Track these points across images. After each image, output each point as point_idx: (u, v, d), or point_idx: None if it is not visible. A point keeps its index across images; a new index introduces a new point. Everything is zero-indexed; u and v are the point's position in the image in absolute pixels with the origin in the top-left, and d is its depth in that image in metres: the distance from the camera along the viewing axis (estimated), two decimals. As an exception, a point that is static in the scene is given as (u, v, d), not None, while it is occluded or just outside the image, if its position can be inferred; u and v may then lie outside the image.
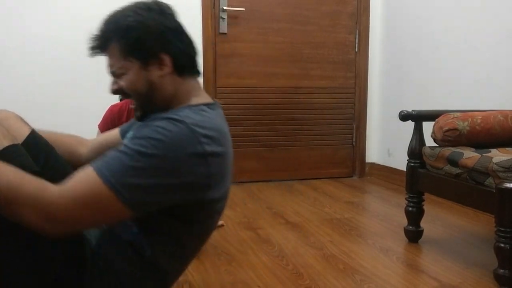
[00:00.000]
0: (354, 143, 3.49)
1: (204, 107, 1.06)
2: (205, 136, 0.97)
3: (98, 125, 1.88)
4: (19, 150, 1.04)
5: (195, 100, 1.09)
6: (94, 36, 1.09)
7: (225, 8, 3.07)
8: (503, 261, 1.52)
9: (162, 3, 1.09)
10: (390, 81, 3.37)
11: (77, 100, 2.83)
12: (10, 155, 1.00)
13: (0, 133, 1.02)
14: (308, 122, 3.37)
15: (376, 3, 3.41)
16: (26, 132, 1.21)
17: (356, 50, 3.42)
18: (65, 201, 0.87)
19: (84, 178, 0.90)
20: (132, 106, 1.12)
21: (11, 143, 1.02)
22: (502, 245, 1.50)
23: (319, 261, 1.78)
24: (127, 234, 1.03)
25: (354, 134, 3.48)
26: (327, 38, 3.34)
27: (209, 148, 0.97)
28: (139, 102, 1.08)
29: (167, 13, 1.08)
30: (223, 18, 3.08)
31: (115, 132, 1.32)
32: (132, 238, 1.03)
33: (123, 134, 1.27)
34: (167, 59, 1.05)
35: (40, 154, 1.17)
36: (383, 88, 3.44)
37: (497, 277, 1.54)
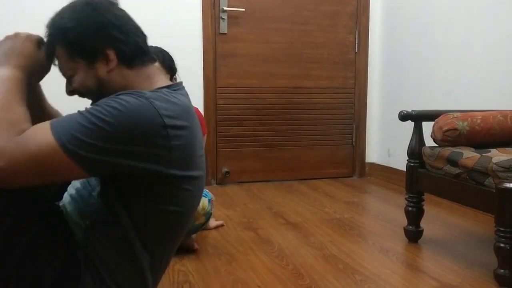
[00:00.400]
0: (354, 143, 3.50)
1: (164, 90, 1.05)
2: (166, 109, 0.96)
3: None
4: None
5: (153, 86, 1.08)
6: (43, 42, 1.10)
7: (225, 8, 3.07)
8: (503, 261, 1.52)
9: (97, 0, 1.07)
10: (389, 81, 3.37)
11: (76, 99, 2.83)
12: None
13: None
14: (308, 122, 3.37)
15: (376, 3, 3.42)
16: None
17: (356, 50, 3.42)
18: (16, 145, 0.87)
19: (38, 131, 0.90)
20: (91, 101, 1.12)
21: None
22: (502, 245, 1.50)
23: (319, 261, 1.79)
24: (111, 226, 1.02)
25: (354, 134, 3.48)
26: (327, 38, 3.35)
27: (170, 120, 0.96)
28: (93, 99, 1.08)
29: (100, 8, 1.06)
30: (223, 19, 3.08)
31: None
32: (116, 230, 1.01)
33: None
34: (111, 53, 1.05)
35: None
36: (383, 88, 3.44)
37: (497, 277, 1.54)
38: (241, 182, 3.21)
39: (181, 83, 1.14)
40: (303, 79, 3.32)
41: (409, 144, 1.99)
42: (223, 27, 3.09)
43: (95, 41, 1.04)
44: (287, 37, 3.25)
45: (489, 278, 1.59)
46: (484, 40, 2.53)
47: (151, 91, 1.01)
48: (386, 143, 3.42)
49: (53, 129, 0.90)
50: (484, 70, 2.52)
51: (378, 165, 3.48)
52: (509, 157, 1.57)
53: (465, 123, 1.84)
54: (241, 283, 1.58)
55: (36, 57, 1.08)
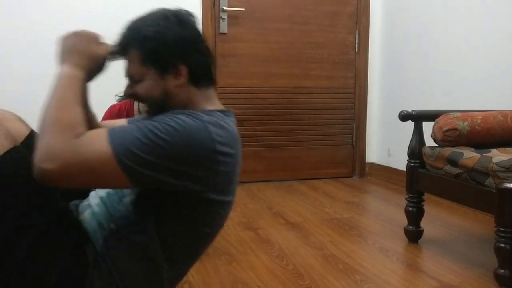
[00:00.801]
0: (354, 143, 3.49)
1: (219, 113, 1.09)
2: (219, 135, 0.99)
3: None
4: (19, 153, 1.04)
5: (210, 108, 1.11)
6: (115, 42, 1.11)
7: (225, 8, 3.07)
8: (503, 261, 1.52)
9: (182, 12, 1.10)
10: (390, 81, 3.37)
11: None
12: (11, 158, 1.00)
13: (2, 133, 1.02)
14: (308, 122, 3.37)
15: (376, 3, 3.42)
16: (25, 132, 1.21)
17: (356, 50, 3.42)
18: (73, 149, 0.89)
19: (95, 138, 0.92)
20: (145, 108, 1.14)
21: (12, 145, 1.02)
22: (502, 245, 1.50)
23: (319, 261, 1.78)
24: (136, 235, 1.04)
25: (354, 134, 3.48)
26: (327, 38, 3.34)
27: (221, 147, 0.99)
28: (153, 108, 1.10)
29: (186, 23, 1.09)
30: (223, 18, 3.08)
31: (121, 122, 1.32)
32: (140, 239, 1.03)
33: None
34: (183, 70, 1.06)
35: None
36: (383, 88, 3.44)
37: (497, 277, 1.54)
38: (241, 182, 3.19)
39: (231, 110, 1.17)
40: (303, 79, 3.32)
41: (409, 144, 1.99)
42: (223, 27, 3.09)
43: (173, 55, 1.05)
44: (287, 37, 3.25)
45: (489, 278, 1.59)
46: (484, 39, 2.52)
47: (207, 114, 1.03)
48: (386, 143, 3.42)
49: (111, 139, 0.91)
50: (484, 70, 2.52)
51: (378, 165, 3.48)
52: (510, 157, 1.57)
53: (466, 123, 1.84)
54: (241, 283, 1.58)
55: (95, 56, 1.09)
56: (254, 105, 3.24)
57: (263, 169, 3.29)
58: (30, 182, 0.99)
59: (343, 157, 3.49)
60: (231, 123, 1.10)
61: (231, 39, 3.14)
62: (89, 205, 1.12)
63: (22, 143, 1.16)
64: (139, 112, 1.84)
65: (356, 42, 3.41)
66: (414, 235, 2.00)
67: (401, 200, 2.06)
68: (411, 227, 2.00)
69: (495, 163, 1.57)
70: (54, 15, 2.77)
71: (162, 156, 0.92)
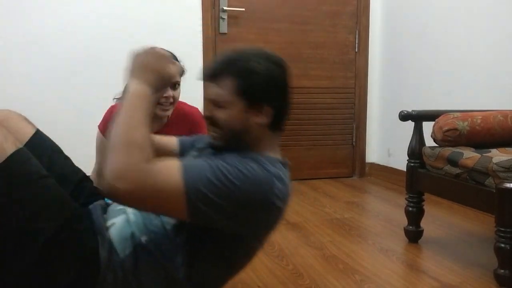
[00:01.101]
0: (354, 143, 3.49)
1: (281, 166, 1.13)
2: (280, 191, 1.04)
3: (98, 126, 1.88)
4: (24, 156, 1.02)
5: (271, 154, 1.15)
6: (211, 65, 1.14)
7: (225, 8, 3.07)
8: (503, 261, 1.52)
9: (283, 60, 1.15)
10: (390, 81, 3.37)
11: (77, 100, 2.83)
12: (16, 163, 0.98)
13: (2, 136, 0.99)
14: (308, 122, 3.36)
15: (376, 3, 3.42)
16: (30, 132, 1.21)
17: (356, 50, 3.42)
18: (146, 174, 0.92)
19: (171, 166, 0.96)
20: (212, 134, 1.17)
21: (14, 147, 1.00)
22: (502, 245, 1.50)
23: (319, 261, 1.78)
24: (166, 258, 1.06)
25: (354, 134, 3.48)
26: (327, 38, 3.34)
27: (278, 202, 1.04)
28: (227, 137, 1.13)
29: (284, 69, 1.15)
30: (223, 18, 3.08)
31: (173, 142, 1.34)
32: (169, 264, 1.05)
33: (183, 148, 1.32)
34: (269, 111, 1.11)
35: (43, 155, 1.17)
36: (383, 88, 3.44)
37: (497, 277, 1.54)
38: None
39: (288, 162, 1.20)
40: (303, 79, 3.32)
41: (409, 144, 1.99)
42: (223, 27, 3.09)
43: (266, 95, 1.10)
44: (287, 37, 3.25)
45: (489, 278, 1.59)
46: (484, 39, 2.52)
47: (273, 165, 1.07)
48: (386, 143, 3.42)
49: (185, 174, 0.95)
50: (485, 70, 2.52)
51: (378, 165, 3.48)
52: (510, 157, 1.57)
53: (466, 123, 1.84)
54: (241, 283, 1.58)
55: (167, 76, 1.11)
56: (254, 105, 3.23)
57: (263, 169, 3.28)
58: (36, 184, 0.99)
59: (343, 157, 3.49)
60: (288, 177, 1.14)
61: (231, 39, 3.13)
62: (124, 211, 1.14)
63: (27, 143, 1.16)
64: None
65: (356, 42, 3.41)
66: (414, 235, 2.00)
67: (401, 200, 2.06)
68: (411, 227, 2.00)
69: (495, 163, 1.57)
70: (54, 14, 2.77)
71: (228, 199, 0.97)
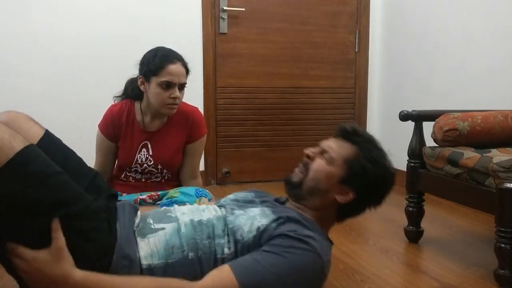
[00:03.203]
0: (354, 143, 3.48)
1: (330, 245, 1.18)
2: (325, 275, 1.13)
3: (98, 125, 1.88)
4: (34, 152, 1.02)
5: (325, 229, 1.22)
6: (354, 128, 1.27)
7: (225, 8, 3.06)
8: (504, 262, 1.52)
9: (394, 174, 1.26)
10: (390, 81, 3.37)
11: (77, 99, 2.83)
12: (26, 158, 0.98)
13: (8, 134, 0.98)
14: (308, 122, 3.36)
15: (376, 3, 3.41)
16: (40, 133, 1.21)
17: (356, 50, 3.42)
18: None
19: (225, 280, 0.98)
20: (296, 170, 1.24)
21: (23, 145, 0.99)
22: (503, 245, 1.50)
23: (319, 261, 1.78)
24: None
25: (354, 134, 3.47)
26: (327, 38, 3.34)
27: (324, 277, 1.13)
28: (307, 184, 1.19)
29: (389, 184, 1.23)
30: (223, 18, 3.08)
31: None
32: None
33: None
34: (350, 199, 1.18)
35: (58, 153, 1.18)
36: (383, 88, 3.44)
37: (498, 278, 1.54)
38: (241, 182, 3.20)
39: (332, 243, 1.27)
40: (303, 79, 3.31)
41: (410, 144, 1.99)
42: (223, 27, 3.09)
43: (362, 187, 1.18)
44: (287, 37, 3.25)
45: (490, 279, 1.58)
46: (484, 39, 2.52)
47: (326, 247, 1.15)
48: (386, 143, 3.34)
49: (238, 276, 0.99)
50: (485, 70, 2.52)
51: (378, 165, 3.47)
52: (510, 157, 1.56)
53: (466, 123, 1.84)
54: (241, 283, 1.58)
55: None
56: (254, 105, 3.23)
57: (263, 169, 3.29)
58: (47, 180, 0.99)
59: (343, 157, 3.48)
60: (330, 255, 1.20)
61: (231, 39, 3.13)
62: (177, 219, 1.15)
63: (39, 142, 1.17)
64: (141, 112, 1.84)
65: (356, 42, 3.41)
66: (414, 235, 1.99)
67: (401, 200, 2.05)
68: (411, 227, 2.00)
69: (495, 163, 1.56)
70: (54, 14, 2.77)
71: (283, 285, 1.01)
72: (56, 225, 0.95)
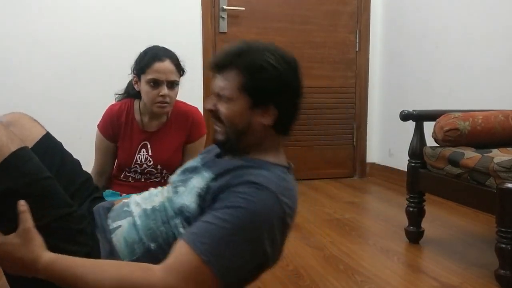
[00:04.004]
0: (354, 143, 3.49)
1: (285, 171, 1.09)
2: (288, 206, 1.00)
3: (98, 125, 1.88)
4: (27, 155, 1.02)
5: (273, 158, 1.11)
6: (221, 54, 1.09)
7: (225, 7, 3.06)
8: (504, 262, 1.51)
9: (295, 60, 1.12)
10: (390, 80, 3.36)
11: (77, 99, 2.83)
12: (17, 160, 0.99)
13: (6, 137, 1.00)
14: (308, 122, 3.35)
15: (376, 3, 3.41)
16: (40, 133, 1.22)
17: (357, 50, 3.41)
18: (173, 281, 0.89)
19: (182, 255, 0.91)
20: (217, 128, 1.12)
21: (18, 147, 1.00)
22: (503, 245, 1.50)
23: (319, 262, 1.78)
24: None
25: (354, 134, 3.48)
26: (327, 37, 3.34)
27: (288, 219, 1.02)
28: (228, 132, 1.09)
29: (297, 71, 1.11)
30: (223, 18, 3.07)
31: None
32: None
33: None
34: (274, 113, 1.07)
35: (56, 155, 1.19)
36: (384, 88, 3.44)
37: (498, 278, 1.54)
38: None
39: (292, 166, 1.16)
40: (304, 79, 3.30)
41: (410, 144, 1.99)
42: (223, 26, 3.09)
43: (274, 95, 1.06)
44: (287, 37, 3.24)
45: (490, 279, 1.58)
46: (485, 39, 2.52)
47: (271, 170, 1.04)
48: (387, 143, 3.41)
49: (194, 247, 0.91)
50: (486, 69, 2.51)
51: (379, 165, 3.47)
52: (511, 157, 1.56)
53: (466, 123, 1.83)
54: (241, 284, 1.58)
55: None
56: (254, 105, 3.22)
57: (263, 169, 3.28)
58: (34, 183, 0.99)
59: (343, 157, 3.48)
60: (295, 185, 1.10)
61: (231, 38, 3.12)
62: (130, 213, 1.11)
63: (38, 142, 1.17)
64: (140, 112, 1.83)
65: (357, 41, 3.40)
66: (414, 235, 1.99)
67: (402, 201, 2.05)
68: (411, 227, 1.99)
69: (496, 163, 1.56)
70: (54, 14, 2.77)
71: (246, 242, 0.93)
72: (23, 207, 0.93)
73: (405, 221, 2.02)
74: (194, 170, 1.13)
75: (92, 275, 0.90)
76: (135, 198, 1.17)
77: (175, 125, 1.85)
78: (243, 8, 3.12)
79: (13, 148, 0.99)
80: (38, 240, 0.94)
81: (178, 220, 1.05)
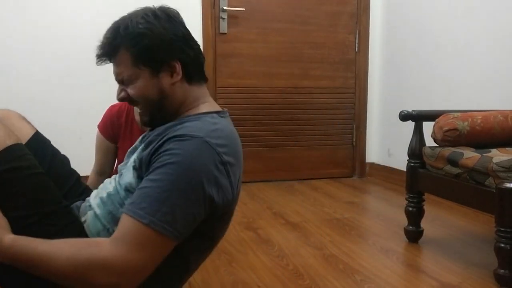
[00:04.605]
0: (354, 143, 3.49)
1: (215, 115, 1.06)
2: (221, 145, 0.97)
3: (98, 126, 1.88)
4: (22, 150, 1.04)
5: (204, 108, 1.09)
6: (101, 44, 1.06)
7: (225, 8, 3.07)
8: (503, 261, 1.52)
9: (169, 10, 1.09)
10: (390, 81, 3.37)
11: (77, 100, 2.83)
12: (13, 154, 1.00)
13: (3, 132, 1.02)
14: (308, 122, 3.36)
15: (376, 3, 3.41)
16: (30, 132, 1.22)
17: (356, 50, 3.42)
18: (121, 251, 0.88)
19: (125, 226, 0.90)
20: (139, 111, 1.11)
21: (14, 142, 1.02)
22: (502, 245, 1.50)
23: (319, 261, 1.78)
24: None
25: (354, 134, 3.48)
26: (327, 38, 3.34)
27: (227, 157, 0.98)
28: (148, 109, 1.08)
29: (175, 20, 1.07)
30: (223, 18, 3.08)
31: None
32: None
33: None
34: (177, 67, 1.04)
35: (46, 154, 1.18)
36: (383, 88, 3.44)
37: (497, 277, 1.54)
38: (241, 182, 3.20)
39: (226, 110, 1.14)
40: (303, 79, 3.32)
41: (410, 144, 1.99)
42: (223, 27, 3.09)
43: (167, 52, 1.03)
44: (287, 37, 3.25)
45: (489, 278, 1.58)
46: (485, 39, 2.52)
47: (200, 118, 1.02)
48: (386, 143, 3.41)
49: (135, 215, 0.89)
50: (485, 69, 2.52)
51: (378, 165, 3.47)
52: (510, 157, 1.56)
53: (466, 123, 1.84)
54: (241, 283, 1.58)
55: None
56: (254, 105, 3.23)
57: (263, 169, 3.29)
58: (28, 179, 1.00)
59: (343, 157, 3.49)
60: (229, 125, 1.08)
61: (231, 39, 3.13)
62: (90, 206, 1.12)
63: (28, 142, 1.17)
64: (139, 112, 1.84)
65: (356, 42, 3.41)
66: (414, 235, 2.00)
67: (401, 200, 2.05)
68: (411, 227, 2.00)
69: (495, 163, 1.57)
70: (54, 14, 2.77)
71: (187, 194, 0.91)
72: None
73: (404, 221, 2.03)
74: (134, 151, 1.13)
75: (48, 255, 0.89)
76: (93, 191, 1.17)
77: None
78: (243, 9, 3.12)
79: (9, 142, 1.00)
80: (1, 222, 0.94)
81: (129, 199, 1.05)
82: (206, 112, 1.07)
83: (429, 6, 2.95)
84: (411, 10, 3.13)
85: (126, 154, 1.19)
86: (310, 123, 3.37)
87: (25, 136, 1.18)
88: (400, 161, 3.01)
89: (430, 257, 1.85)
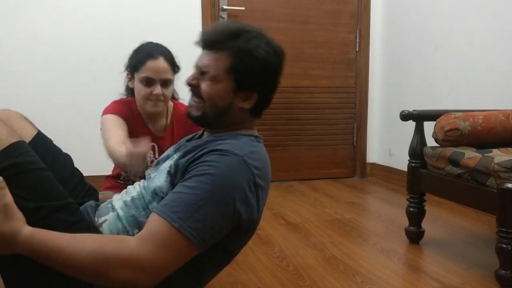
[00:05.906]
0: (354, 143, 3.48)
1: (253, 138, 1.11)
2: (256, 168, 1.02)
3: (105, 111, 1.70)
4: (26, 147, 1.05)
5: (245, 131, 1.14)
6: (214, 32, 1.09)
7: (225, 7, 3.06)
8: (505, 262, 1.51)
9: (281, 48, 1.12)
10: (391, 80, 3.36)
11: (77, 100, 2.83)
12: (18, 151, 1.01)
13: (6, 131, 1.03)
14: (308, 122, 3.36)
15: (376, 2, 3.40)
16: (32, 132, 1.23)
17: (357, 50, 3.41)
18: (146, 250, 0.90)
19: (154, 226, 0.93)
20: (192, 103, 1.13)
21: (17, 140, 1.04)
22: (504, 245, 1.49)
23: (319, 262, 1.77)
24: None
25: (354, 134, 3.47)
26: (327, 37, 3.33)
27: (259, 180, 1.02)
28: (206, 109, 1.10)
29: (281, 61, 1.12)
30: (223, 18, 3.07)
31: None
32: None
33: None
34: (254, 98, 1.09)
35: (47, 154, 1.19)
36: (384, 88, 3.43)
37: (499, 278, 1.53)
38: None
39: (261, 137, 1.18)
40: (304, 79, 3.31)
41: (411, 144, 1.98)
42: (223, 26, 3.08)
43: (257, 81, 1.08)
44: (288, 36, 3.24)
45: (491, 279, 1.58)
46: (485, 39, 2.51)
47: (239, 138, 1.07)
48: (387, 143, 3.41)
49: (166, 217, 0.92)
50: (486, 69, 2.51)
51: (379, 165, 3.47)
52: (511, 157, 1.56)
53: (467, 123, 1.83)
54: (241, 284, 1.58)
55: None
56: (254, 105, 3.22)
57: (263, 169, 3.27)
58: (34, 174, 1.01)
59: (343, 157, 3.48)
60: (264, 151, 1.12)
61: (231, 38, 3.12)
62: (113, 208, 1.13)
63: (30, 142, 1.17)
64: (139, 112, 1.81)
65: (357, 41, 3.40)
66: (415, 235, 1.99)
67: (402, 201, 2.05)
68: (412, 227, 1.99)
69: (497, 163, 1.56)
70: (54, 14, 2.76)
71: (218, 205, 0.94)
72: (1, 184, 0.92)
73: (405, 221, 2.02)
74: (166, 158, 1.16)
75: (69, 247, 0.89)
76: (116, 195, 1.20)
77: (176, 126, 1.84)
78: (243, 8, 3.11)
79: (13, 140, 1.02)
80: (18, 215, 0.93)
81: (155, 202, 1.07)
82: (247, 134, 1.12)
83: (429, 6, 2.94)
84: (412, 10, 3.12)
85: (155, 162, 1.23)
86: (311, 123, 3.36)
87: (27, 136, 1.19)
88: (401, 161, 3.00)
89: (431, 258, 1.84)
